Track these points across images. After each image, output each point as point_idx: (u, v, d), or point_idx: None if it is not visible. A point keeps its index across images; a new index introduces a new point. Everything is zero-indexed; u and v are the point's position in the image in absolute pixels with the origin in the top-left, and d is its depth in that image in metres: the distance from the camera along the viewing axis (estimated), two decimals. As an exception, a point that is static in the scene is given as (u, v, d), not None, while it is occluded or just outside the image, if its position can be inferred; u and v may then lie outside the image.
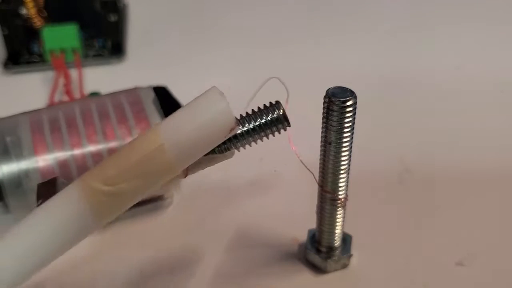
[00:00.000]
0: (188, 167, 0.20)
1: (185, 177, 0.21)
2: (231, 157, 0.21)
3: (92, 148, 0.27)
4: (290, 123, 0.21)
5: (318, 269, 0.27)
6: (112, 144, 0.28)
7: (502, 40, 0.46)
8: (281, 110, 0.21)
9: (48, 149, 0.27)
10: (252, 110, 0.21)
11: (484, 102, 0.39)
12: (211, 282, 0.27)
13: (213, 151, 0.20)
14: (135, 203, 0.20)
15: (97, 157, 0.27)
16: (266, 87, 0.23)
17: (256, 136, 0.21)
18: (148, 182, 0.19)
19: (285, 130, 0.21)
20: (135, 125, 0.28)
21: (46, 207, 0.20)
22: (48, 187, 0.20)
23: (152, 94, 0.30)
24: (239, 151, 0.21)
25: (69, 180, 0.27)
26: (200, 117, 0.19)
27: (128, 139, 0.28)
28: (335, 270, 0.27)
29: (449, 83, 0.41)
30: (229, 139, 0.21)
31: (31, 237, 0.19)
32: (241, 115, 0.21)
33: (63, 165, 0.27)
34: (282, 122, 0.21)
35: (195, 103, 0.19)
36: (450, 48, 0.45)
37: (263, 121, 0.21)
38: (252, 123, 0.21)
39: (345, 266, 0.27)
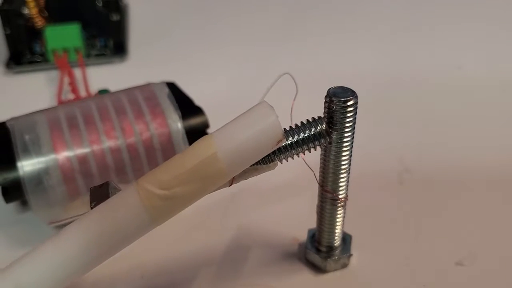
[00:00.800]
0: (234, 176, 0.21)
1: (229, 186, 0.22)
2: (273, 168, 0.22)
3: (111, 144, 0.28)
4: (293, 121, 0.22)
5: (318, 269, 0.27)
6: (131, 139, 0.28)
7: (503, 40, 0.46)
8: (324, 125, 0.22)
9: (67, 146, 0.27)
10: (296, 124, 0.22)
11: (485, 101, 0.39)
12: (211, 282, 0.27)
13: (257, 162, 0.21)
14: (188, 206, 0.21)
15: (116, 153, 0.28)
16: (271, 82, 0.24)
17: (299, 149, 0.22)
18: (200, 187, 0.20)
19: (326, 145, 0.22)
20: (151, 120, 0.28)
21: (104, 207, 0.20)
22: (100, 191, 0.21)
23: (166, 89, 0.30)
24: (281, 163, 0.22)
25: (90, 176, 0.27)
26: (251, 128, 0.20)
27: (146, 134, 0.28)
28: (335, 269, 0.27)
29: (450, 82, 0.41)
30: (273, 151, 0.21)
31: (88, 236, 0.20)
32: (284, 128, 0.22)
33: (82, 161, 0.27)
34: (324, 136, 0.22)
35: (247, 115, 0.20)
36: (450, 47, 0.45)
37: (306, 135, 0.22)
38: (296, 136, 0.22)
39: (345, 265, 0.27)
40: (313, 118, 0.22)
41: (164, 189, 0.20)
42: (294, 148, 0.22)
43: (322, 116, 0.22)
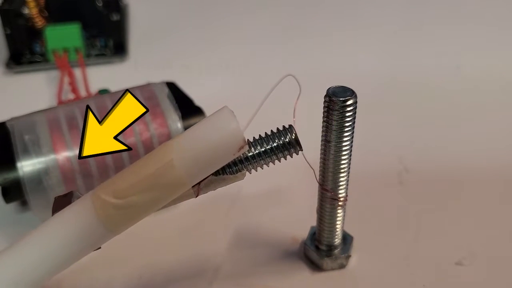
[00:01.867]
0: (200, 186, 0.21)
1: (196, 196, 0.21)
2: (242, 178, 0.21)
3: (111, 144, 0.28)
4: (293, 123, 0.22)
5: (316, 267, 0.27)
6: (131, 139, 0.28)
7: (502, 40, 0.46)
8: (293, 134, 0.21)
9: (67, 147, 0.27)
10: (265, 133, 0.22)
11: (485, 101, 0.39)
12: (210, 282, 0.27)
13: (224, 172, 0.21)
14: (145, 216, 0.20)
15: (116, 154, 0.27)
16: (272, 83, 0.24)
17: (268, 159, 0.21)
18: (157, 196, 0.20)
19: (297, 154, 0.22)
20: (151, 120, 0.28)
21: (58, 217, 0.20)
22: (64, 200, 0.20)
23: (166, 89, 0.30)
24: (250, 173, 0.22)
25: (90, 176, 0.27)
26: (210, 135, 0.19)
27: (146, 134, 0.28)
28: (332, 269, 0.27)
29: (449, 83, 0.41)
30: (241, 161, 0.21)
31: (42, 246, 0.20)
32: (254, 137, 0.21)
33: (82, 162, 0.27)
34: (294, 146, 0.21)
35: (206, 121, 0.20)
36: (450, 47, 0.45)
37: (275, 144, 0.21)
38: (264, 146, 0.21)
39: (342, 266, 0.27)
40: (283, 127, 0.22)
41: (118, 198, 0.19)
42: (262, 158, 0.21)
43: (292, 124, 0.22)
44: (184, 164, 0.19)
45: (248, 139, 0.21)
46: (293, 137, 0.21)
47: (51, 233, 0.20)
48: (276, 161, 0.22)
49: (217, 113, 0.20)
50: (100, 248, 0.21)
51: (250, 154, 0.21)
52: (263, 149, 0.21)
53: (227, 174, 0.21)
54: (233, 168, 0.21)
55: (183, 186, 0.20)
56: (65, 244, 0.19)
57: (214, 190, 0.21)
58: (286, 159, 0.22)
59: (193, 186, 0.21)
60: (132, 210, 0.19)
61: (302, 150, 0.22)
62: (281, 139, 0.21)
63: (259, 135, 0.22)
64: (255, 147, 0.21)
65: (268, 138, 0.21)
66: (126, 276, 0.27)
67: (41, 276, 0.20)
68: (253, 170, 0.22)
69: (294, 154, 0.22)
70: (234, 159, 0.21)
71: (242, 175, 0.21)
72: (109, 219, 0.19)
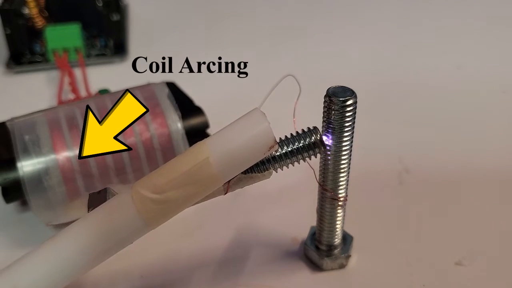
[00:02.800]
0: (229, 184, 0.22)
1: (225, 193, 0.22)
2: (269, 177, 0.22)
3: (111, 144, 0.28)
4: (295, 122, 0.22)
5: (316, 267, 0.27)
6: (131, 140, 0.28)
7: (503, 40, 0.46)
8: (318, 135, 0.22)
9: (67, 147, 0.27)
10: (291, 134, 0.22)
11: (485, 102, 0.39)
12: (210, 281, 0.27)
13: (253, 171, 0.22)
14: (181, 210, 0.21)
15: (116, 153, 0.27)
16: (272, 83, 0.24)
17: (294, 158, 0.22)
18: (193, 192, 0.21)
19: (321, 154, 0.23)
20: (151, 121, 0.28)
21: (99, 211, 0.21)
22: (99, 196, 0.21)
23: (166, 89, 0.30)
24: (276, 172, 0.23)
25: (90, 176, 0.27)
26: (243, 134, 0.20)
27: (146, 134, 0.28)
28: (332, 268, 0.27)
29: (450, 83, 0.41)
30: (268, 160, 0.22)
31: (82, 238, 0.20)
32: (280, 138, 0.22)
33: (82, 162, 0.27)
34: (318, 146, 0.22)
35: (239, 121, 0.21)
36: (450, 48, 0.45)
37: (300, 144, 0.22)
38: (291, 146, 0.22)
39: (342, 266, 0.27)
40: (308, 128, 0.22)
41: (157, 193, 0.20)
42: (289, 158, 0.22)
43: (321, 122, 0.23)
44: (219, 162, 0.20)
45: (275, 137, 0.22)
46: (318, 138, 0.22)
47: (92, 226, 0.20)
48: (297, 162, 0.23)
49: (249, 114, 0.21)
50: (131, 243, 0.21)
51: (278, 153, 0.22)
52: (289, 149, 0.22)
53: (255, 172, 0.22)
54: (261, 167, 0.22)
55: (217, 183, 0.21)
56: (105, 237, 0.20)
57: (241, 188, 0.22)
58: (310, 159, 0.23)
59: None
60: (170, 205, 0.20)
61: (326, 151, 0.23)
62: (306, 139, 0.22)
63: (285, 135, 0.23)
64: (282, 147, 0.22)
65: (294, 138, 0.22)
66: (127, 275, 0.27)
67: (77, 270, 0.21)
68: (279, 169, 0.23)
69: (318, 154, 0.23)
70: (263, 159, 0.22)
71: (269, 173, 0.22)
72: (148, 213, 0.20)
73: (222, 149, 0.20)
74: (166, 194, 0.20)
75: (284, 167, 0.23)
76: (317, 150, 0.22)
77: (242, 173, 0.22)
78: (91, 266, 0.21)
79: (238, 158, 0.20)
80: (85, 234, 0.20)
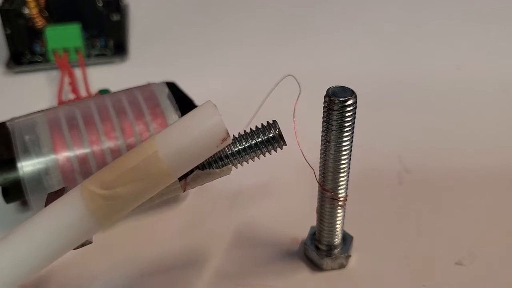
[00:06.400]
0: (186, 181, 0.21)
1: (184, 191, 0.22)
2: (228, 173, 0.22)
3: (111, 144, 0.28)
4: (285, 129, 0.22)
5: (316, 267, 0.27)
6: (131, 140, 0.28)
7: (503, 40, 0.46)
8: (277, 130, 0.22)
9: (67, 147, 0.27)
10: (250, 128, 0.22)
11: (485, 102, 0.39)
12: (210, 281, 0.27)
13: (211, 167, 0.22)
14: (133, 207, 0.21)
15: (116, 154, 0.28)
16: (273, 83, 0.24)
17: (253, 154, 0.22)
18: (143, 188, 0.20)
19: (281, 148, 0.22)
20: (151, 121, 0.28)
21: (49, 210, 0.20)
22: (56, 197, 0.21)
23: (166, 90, 0.30)
24: (236, 167, 0.22)
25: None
26: (194, 127, 0.20)
27: (146, 135, 0.28)
28: (332, 268, 0.27)
29: (449, 83, 0.41)
30: (226, 156, 0.22)
31: (33, 238, 0.20)
32: (239, 133, 0.22)
33: (82, 162, 0.27)
34: (278, 141, 0.22)
35: (190, 115, 0.21)
36: (450, 47, 0.45)
37: (259, 139, 0.22)
38: (249, 141, 0.22)
39: (342, 266, 0.27)
40: (267, 122, 0.22)
41: (106, 189, 0.20)
42: (247, 153, 0.22)
43: (275, 121, 0.22)
44: (168, 156, 0.20)
45: (233, 135, 0.22)
46: (276, 132, 0.22)
47: (42, 225, 0.20)
48: (265, 159, 0.22)
49: (200, 107, 0.21)
50: (91, 242, 0.21)
51: (236, 149, 0.22)
52: (248, 144, 0.22)
53: (213, 168, 0.22)
54: (219, 163, 0.22)
55: (168, 178, 0.20)
56: (56, 235, 0.20)
57: (201, 184, 0.22)
58: (270, 154, 0.22)
59: (180, 180, 0.21)
60: (119, 201, 0.20)
61: (286, 145, 0.22)
62: (265, 134, 0.22)
63: (244, 130, 0.22)
64: (240, 142, 0.22)
65: (252, 133, 0.22)
66: (127, 273, 0.27)
67: (31, 269, 0.20)
68: (239, 165, 0.22)
69: (278, 149, 0.22)
70: (220, 154, 0.22)
71: (228, 169, 0.22)
72: (98, 209, 0.20)
73: (172, 143, 0.20)
74: (115, 190, 0.20)
75: (245, 163, 0.22)
76: (276, 145, 0.22)
77: (199, 169, 0.21)
78: (45, 265, 0.20)
79: (188, 152, 0.20)
80: (36, 233, 0.20)
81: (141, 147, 0.20)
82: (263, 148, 0.22)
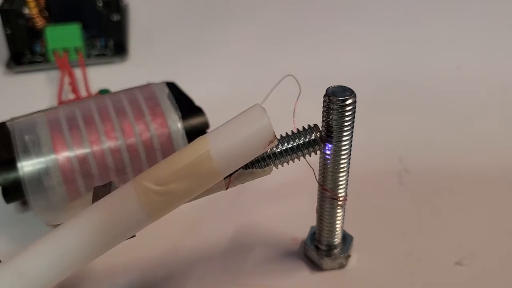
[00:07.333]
0: (230, 179, 0.22)
1: (226, 189, 0.22)
2: (269, 173, 0.23)
3: (111, 144, 0.28)
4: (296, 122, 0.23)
5: (316, 266, 0.27)
6: (131, 140, 0.28)
7: (503, 40, 0.46)
8: (318, 133, 0.23)
9: (67, 147, 0.27)
10: (292, 131, 0.23)
11: (485, 102, 0.39)
12: (210, 281, 0.27)
13: (253, 167, 0.22)
14: (183, 203, 0.21)
15: (116, 154, 0.28)
16: (273, 83, 0.24)
17: (294, 155, 0.23)
18: (194, 185, 0.21)
19: (321, 151, 0.23)
20: (151, 121, 0.28)
21: (102, 202, 0.21)
22: (103, 190, 0.22)
23: (166, 90, 0.30)
24: (277, 168, 0.23)
25: (90, 176, 0.27)
26: (244, 129, 0.21)
27: (146, 135, 0.28)
28: (332, 268, 0.27)
29: (450, 83, 0.41)
30: (268, 156, 0.22)
31: (85, 229, 0.21)
32: (281, 135, 0.23)
33: (82, 162, 0.27)
34: (318, 143, 0.23)
35: (240, 116, 0.21)
36: (450, 48, 0.45)
37: (301, 141, 0.23)
38: (291, 143, 0.23)
39: (342, 266, 0.27)
40: (309, 126, 0.23)
41: (159, 185, 0.21)
42: (289, 154, 0.23)
43: (321, 120, 0.23)
44: (219, 156, 0.21)
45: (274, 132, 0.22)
46: (318, 135, 0.23)
47: (95, 217, 0.21)
48: (297, 159, 0.23)
49: (249, 109, 0.21)
50: (135, 236, 0.22)
51: (278, 150, 0.22)
52: (290, 146, 0.23)
53: (256, 168, 0.22)
54: (262, 163, 0.22)
55: (217, 176, 0.21)
56: (108, 228, 0.21)
57: (243, 183, 0.23)
58: (310, 156, 0.23)
59: (224, 179, 0.22)
60: (171, 197, 0.21)
61: (325, 148, 0.23)
62: (307, 136, 0.23)
63: (286, 132, 0.23)
64: (283, 143, 0.23)
65: (294, 135, 0.23)
66: (127, 272, 0.27)
67: (81, 259, 0.21)
68: (279, 166, 0.23)
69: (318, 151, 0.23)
70: (263, 155, 0.22)
71: (270, 169, 0.23)
72: (150, 204, 0.21)
73: (223, 143, 0.21)
74: (168, 186, 0.21)
75: (285, 164, 0.23)
76: (317, 147, 0.23)
77: (243, 168, 0.22)
78: (95, 256, 0.21)
79: (238, 152, 0.21)
80: (88, 225, 0.21)
81: (193, 146, 0.21)
82: (304, 150, 0.23)
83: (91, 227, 0.20)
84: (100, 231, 0.20)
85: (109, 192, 0.21)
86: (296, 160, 0.23)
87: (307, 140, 0.23)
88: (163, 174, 0.21)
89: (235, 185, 0.22)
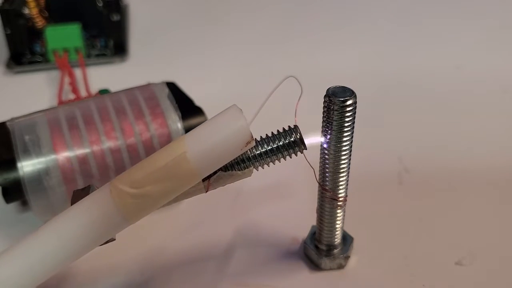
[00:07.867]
0: (210, 182, 0.22)
1: (206, 191, 0.22)
2: (249, 175, 0.23)
3: (111, 144, 0.28)
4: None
5: (315, 266, 0.27)
6: (131, 140, 0.28)
7: (503, 40, 0.46)
8: (298, 134, 0.22)
9: (67, 147, 0.27)
10: (272, 132, 0.23)
11: (485, 102, 0.39)
12: (210, 280, 0.27)
13: (233, 169, 0.22)
14: (160, 206, 0.21)
15: (116, 154, 0.28)
16: (273, 83, 0.24)
17: (274, 157, 0.23)
18: (170, 187, 0.21)
19: (301, 152, 0.23)
20: (151, 121, 0.28)
21: (77, 206, 0.21)
22: (82, 193, 0.21)
23: (166, 90, 0.30)
24: (257, 170, 0.23)
25: (90, 176, 0.27)
26: (220, 130, 0.21)
27: (146, 135, 0.28)
28: (331, 268, 0.27)
29: (449, 83, 0.41)
30: (248, 158, 0.22)
31: (61, 234, 0.20)
32: (260, 136, 0.23)
33: (82, 162, 0.27)
34: (298, 145, 0.22)
35: (216, 118, 0.21)
36: (450, 48, 0.45)
37: (280, 143, 0.22)
38: (271, 144, 0.22)
39: (341, 266, 0.27)
40: (289, 127, 0.23)
41: (134, 188, 0.20)
42: (269, 156, 0.22)
43: (295, 125, 0.23)
44: (196, 157, 0.20)
45: (255, 138, 0.22)
46: (297, 137, 0.22)
47: (70, 221, 0.21)
48: (277, 160, 0.23)
49: (226, 111, 0.21)
50: (115, 239, 0.21)
51: (258, 152, 0.22)
52: (269, 148, 0.22)
53: (235, 170, 0.22)
54: (241, 165, 0.22)
55: (194, 178, 0.21)
56: (84, 231, 0.20)
57: (223, 186, 0.22)
58: (291, 157, 0.23)
59: (203, 181, 0.22)
60: (147, 200, 0.21)
61: (306, 149, 0.23)
62: (286, 138, 0.22)
63: (266, 134, 0.23)
64: (262, 145, 0.22)
65: (274, 137, 0.22)
66: (127, 272, 0.27)
67: (58, 264, 0.21)
68: (260, 168, 0.23)
69: (298, 153, 0.23)
70: (242, 157, 0.22)
71: (250, 171, 0.22)
72: (126, 207, 0.20)
73: (199, 144, 0.21)
74: (144, 188, 0.20)
75: (271, 164, 0.23)
76: (297, 148, 0.22)
77: (222, 170, 0.22)
78: (71, 260, 0.21)
79: (215, 153, 0.21)
80: (64, 229, 0.20)
81: (170, 147, 0.21)
82: (284, 151, 0.22)
83: (66, 231, 0.20)
84: (76, 235, 0.20)
85: (87, 195, 0.21)
86: (291, 160, 0.23)
87: (287, 141, 0.22)
88: (138, 176, 0.20)
89: (215, 188, 0.22)
